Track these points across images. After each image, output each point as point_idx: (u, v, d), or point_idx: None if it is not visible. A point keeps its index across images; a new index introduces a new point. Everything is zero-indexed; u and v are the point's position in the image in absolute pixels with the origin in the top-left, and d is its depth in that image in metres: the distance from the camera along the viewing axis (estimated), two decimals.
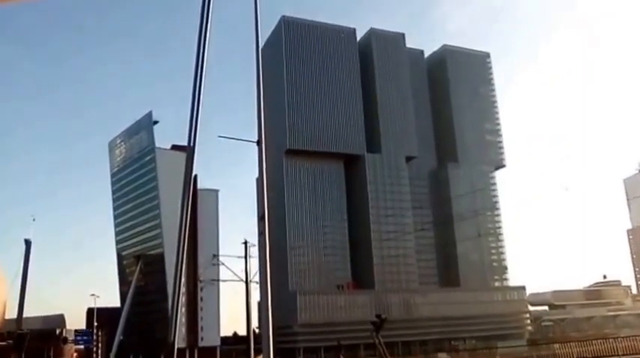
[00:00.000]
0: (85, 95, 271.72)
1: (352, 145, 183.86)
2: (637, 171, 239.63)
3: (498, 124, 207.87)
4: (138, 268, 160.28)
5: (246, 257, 46.73)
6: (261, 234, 20.23)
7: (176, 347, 20.12)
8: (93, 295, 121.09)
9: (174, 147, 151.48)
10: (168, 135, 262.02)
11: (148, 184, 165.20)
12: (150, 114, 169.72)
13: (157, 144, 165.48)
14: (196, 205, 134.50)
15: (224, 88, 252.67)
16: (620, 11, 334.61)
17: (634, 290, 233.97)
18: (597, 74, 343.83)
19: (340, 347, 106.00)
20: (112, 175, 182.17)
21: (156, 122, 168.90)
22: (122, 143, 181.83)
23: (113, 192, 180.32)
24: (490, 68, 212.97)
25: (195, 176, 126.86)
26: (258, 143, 20.43)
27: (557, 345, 78.09)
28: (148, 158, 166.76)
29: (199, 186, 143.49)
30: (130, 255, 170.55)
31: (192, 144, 18.84)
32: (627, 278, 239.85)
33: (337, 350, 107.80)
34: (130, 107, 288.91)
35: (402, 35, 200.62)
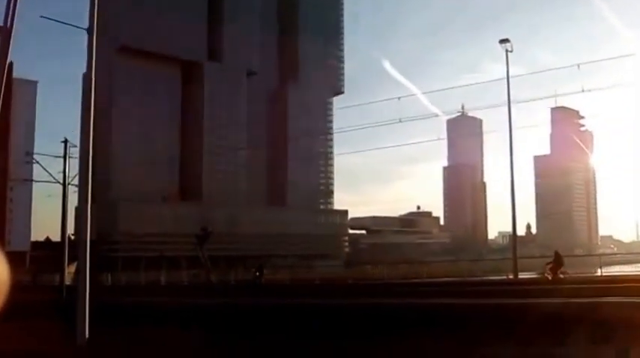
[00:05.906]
0: None
1: (192, 51, 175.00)
2: (459, 114, 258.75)
3: (342, 51, 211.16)
4: None
5: (65, 157, 42.06)
6: (85, 133, 17.83)
7: None
8: None
9: None
10: None
11: None
12: None
13: None
14: (10, 96, 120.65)
15: None
16: None
17: (442, 222, 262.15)
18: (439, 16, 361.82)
19: (162, 258, 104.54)
20: None
21: None
22: None
23: None
24: None
25: (11, 63, 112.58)
26: (89, 31, 17.83)
27: (369, 266, 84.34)
28: None
29: (15, 74, 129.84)
30: None
31: (9, 24, 15.16)
32: (438, 211, 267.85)
33: (158, 261, 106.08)
34: None
35: None
